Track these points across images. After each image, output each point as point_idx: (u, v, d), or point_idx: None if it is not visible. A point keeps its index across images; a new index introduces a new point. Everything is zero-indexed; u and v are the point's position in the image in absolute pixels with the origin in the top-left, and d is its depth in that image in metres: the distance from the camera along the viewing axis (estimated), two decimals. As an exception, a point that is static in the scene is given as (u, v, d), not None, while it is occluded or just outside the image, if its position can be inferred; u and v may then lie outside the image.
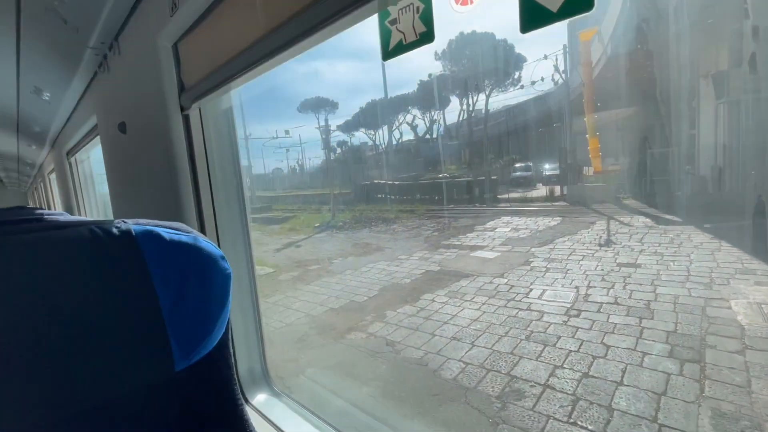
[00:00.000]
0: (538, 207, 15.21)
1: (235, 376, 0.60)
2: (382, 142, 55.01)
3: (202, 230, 1.35)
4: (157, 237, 0.49)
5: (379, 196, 24.10)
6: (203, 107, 1.41)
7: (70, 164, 3.92)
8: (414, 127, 38.64)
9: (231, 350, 0.59)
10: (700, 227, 8.76)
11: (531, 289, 5.98)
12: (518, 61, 37.22)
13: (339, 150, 58.54)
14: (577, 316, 4.85)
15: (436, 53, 37.60)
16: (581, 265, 6.98)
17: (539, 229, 10.61)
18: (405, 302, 6.00)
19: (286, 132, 37.19)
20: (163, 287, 0.48)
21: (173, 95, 1.37)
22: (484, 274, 7.02)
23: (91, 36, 1.67)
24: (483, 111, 39.95)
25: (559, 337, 4.32)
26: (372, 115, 47.31)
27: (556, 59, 24.92)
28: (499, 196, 18.88)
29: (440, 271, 7.52)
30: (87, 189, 3.94)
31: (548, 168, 25.14)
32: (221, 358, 0.57)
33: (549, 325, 4.66)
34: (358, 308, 5.94)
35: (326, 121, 20.55)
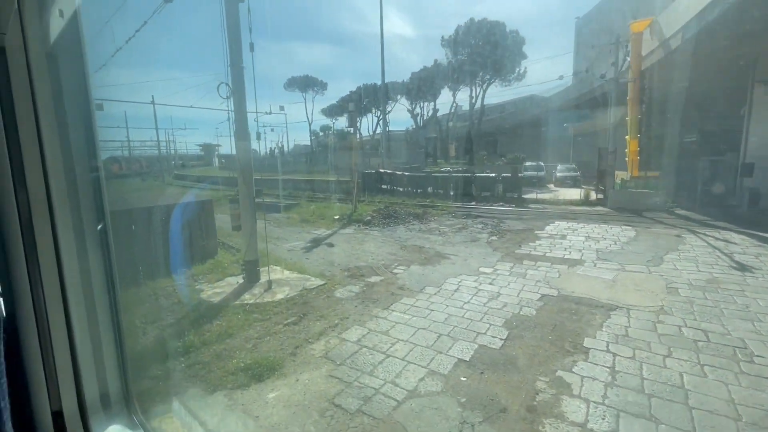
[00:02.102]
0: (582, 210, 13.70)
1: (5, 425, 0.48)
2: (369, 129, 52.38)
3: (30, 225, 0.91)
4: None
5: (384, 186, 21.90)
6: (30, 37, 0.89)
7: None
8: (416, 116, 36.42)
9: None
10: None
11: (743, 339, 4.19)
12: (520, 58, 35.91)
13: (322, 134, 55.49)
14: None
15: (442, 38, 35.54)
16: (761, 302, 5.29)
17: (621, 240, 8.97)
18: (569, 353, 4.02)
19: (281, 108, 33.82)
20: None
21: None
22: (632, 306, 5.17)
23: None
24: (480, 104, 38.47)
25: None
26: (360, 100, 44.51)
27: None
28: (524, 196, 17.30)
29: (562, 296, 5.60)
30: None
31: (561, 169, 23.99)
32: None
33: None
34: (505, 363, 3.88)
35: (360, 93, 17.25)
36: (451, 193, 18.89)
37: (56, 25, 0.96)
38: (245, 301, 5.38)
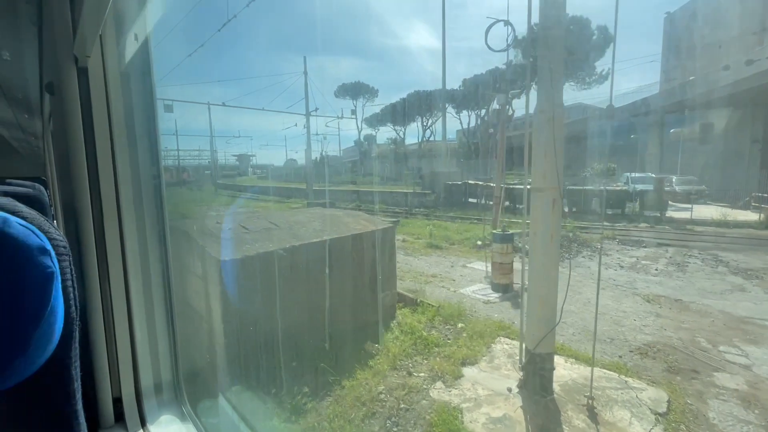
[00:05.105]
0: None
1: (77, 405, 0.49)
2: (419, 136, 49.70)
3: (101, 227, 0.98)
4: None
5: (473, 200, 18.99)
6: (109, 59, 1.00)
7: None
8: (482, 120, 33.40)
9: (73, 371, 0.46)
10: None
11: None
12: (599, 57, 32.49)
13: (366, 144, 53.61)
14: None
15: (515, 37, 32.64)
16: None
17: None
18: None
19: (353, 112, 31.73)
20: None
21: (64, 40, 0.89)
22: None
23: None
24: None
25: None
26: (410, 108, 41.79)
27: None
28: (671, 215, 13.96)
29: None
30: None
31: (679, 182, 20.26)
32: (52, 383, 0.44)
33: None
34: None
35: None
36: (565, 210, 15.76)
37: (131, 48, 1.04)
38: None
